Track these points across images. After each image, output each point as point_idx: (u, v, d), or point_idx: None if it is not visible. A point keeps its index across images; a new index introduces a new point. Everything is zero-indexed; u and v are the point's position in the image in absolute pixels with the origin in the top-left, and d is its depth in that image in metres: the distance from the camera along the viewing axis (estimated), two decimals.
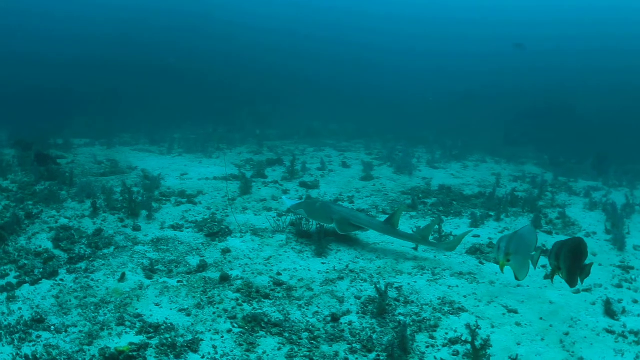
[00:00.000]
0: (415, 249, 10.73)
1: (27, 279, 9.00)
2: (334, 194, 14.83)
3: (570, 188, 16.42)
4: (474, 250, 10.40)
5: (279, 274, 9.39)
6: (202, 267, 9.47)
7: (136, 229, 11.32)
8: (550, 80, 42.29)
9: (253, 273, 9.35)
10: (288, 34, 69.13)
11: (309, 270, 9.60)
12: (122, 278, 8.90)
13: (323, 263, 9.93)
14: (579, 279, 6.64)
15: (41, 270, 9.27)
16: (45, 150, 18.43)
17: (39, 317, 7.71)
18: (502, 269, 7.05)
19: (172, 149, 20.60)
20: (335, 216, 10.47)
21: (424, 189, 15.25)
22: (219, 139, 23.12)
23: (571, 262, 6.48)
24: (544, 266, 9.39)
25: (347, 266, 9.86)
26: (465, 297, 8.44)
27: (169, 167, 17.29)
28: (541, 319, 7.78)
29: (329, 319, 7.88)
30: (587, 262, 6.63)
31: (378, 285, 8.41)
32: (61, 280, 8.97)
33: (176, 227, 11.54)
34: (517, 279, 7.24)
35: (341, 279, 9.31)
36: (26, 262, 9.68)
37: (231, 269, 9.47)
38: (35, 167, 15.57)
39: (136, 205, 12.07)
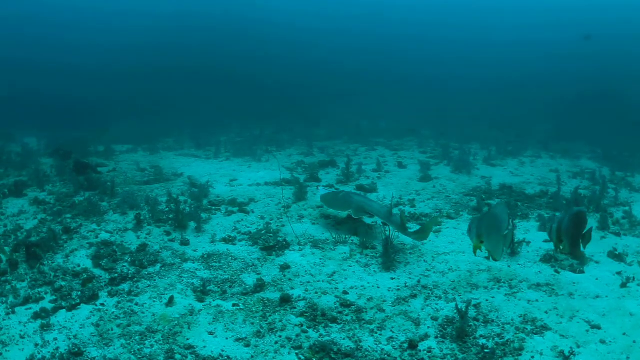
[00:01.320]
0: (488, 257, 9.47)
1: (63, 303, 8.00)
2: (394, 197, 13.63)
3: (629, 184, 15.43)
4: (549, 258, 9.53)
5: (345, 292, 8.22)
6: (260, 286, 8.30)
7: (184, 243, 10.17)
8: (597, 67, 40.41)
9: (317, 292, 8.17)
10: (334, 32, 67.83)
11: (378, 287, 8.42)
12: (171, 302, 7.76)
13: (392, 278, 8.77)
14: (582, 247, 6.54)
15: (79, 293, 8.27)
16: (85, 159, 17.62)
17: (77, 349, 6.74)
18: (475, 252, 6.93)
19: (219, 153, 19.52)
20: (353, 205, 10.80)
21: (485, 189, 14.38)
22: (267, 141, 22.00)
23: (573, 233, 6.45)
24: (618, 273, 8.93)
25: (418, 281, 8.75)
26: (546, 312, 7.70)
27: (216, 172, 16.19)
28: (624, 334, 7.15)
29: (406, 345, 6.85)
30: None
31: (459, 306, 7.34)
32: (102, 305, 7.96)
33: (228, 240, 10.38)
34: (494, 259, 7.20)
35: (414, 296, 8.21)
36: (63, 283, 8.70)
37: (292, 288, 8.29)
38: (73, 177, 14.62)
39: (184, 217, 10.96)
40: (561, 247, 6.65)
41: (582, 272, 9.06)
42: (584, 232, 6.49)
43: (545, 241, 10.53)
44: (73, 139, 21.21)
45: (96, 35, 62.25)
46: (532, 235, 10.90)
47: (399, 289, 8.44)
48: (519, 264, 9.53)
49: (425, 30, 67.54)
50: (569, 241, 6.50)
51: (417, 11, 73.32)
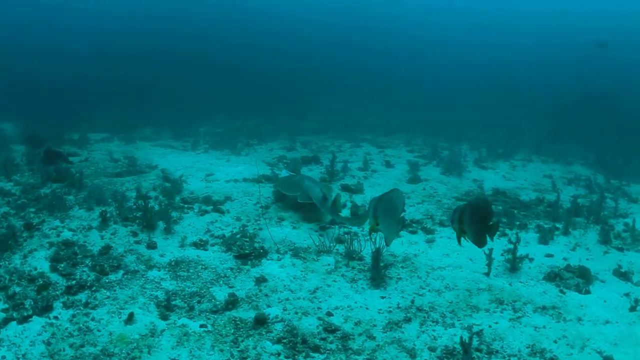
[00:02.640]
0: (488, 274, 8.99)
1: (15, 314, 7.21)
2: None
3: (625, 193, 14.64)
4: (553, 276, 8.82)
5: (329, 314, 7.42)
6: (232, 303, 7.49)
7: (151, 246, 9.32)
8: (588, 71, 39.92)
9: (297, 312, 7.35)
10: (327, 25, 66.96)
11: (367, 308, 7.63)
12: (130, 319, 6.97)
13: (383, 297, 7.97)
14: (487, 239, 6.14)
15: (33, 302, 7.47)
16: (58, 147, 16.59)
17: None
18: (370, 233, 7.01)
19: (197, 145, 18.62)
20: (301, 189, 11.06)
21: (478, 194, 13.65)
22: (248, 134, 21.06)
23: (476, 223, 6.03)
24: (626, 294, 8.35)
25: (412, 301, 7.97)
26: (555, 342, 7.05)
27: (192, 166, 15.31)
28: None
29: None
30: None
31: (459, 334, 6.77)
32: (55, 318, 7.15)
33: (199, 245, 9.54)
34: (386, 244, 7.12)
35: (408, 320, 7.42)
36: (17, 289, 7.89)
37: (268, 306, 7.48)
38: (42, 167, 13.64)
39: (152, 216, 10.06)
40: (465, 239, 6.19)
41: (588, 292, 8.45)
42: (490, 223, 6.03)
43: (547, 256, 9.91)
44: (49, 126, 20.14)
45: (80, 17, 60.88)
46: (533, 249, 10.15)
47: (390, 311, 7.66)
48: (521, 282, 8.82)
49: (420, 29, 66.71)
50: (474, 233, 6.08)
51: (413, 9, 72.49)
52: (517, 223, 11.61)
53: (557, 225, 11.54)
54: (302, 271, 8.66)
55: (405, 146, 20.71)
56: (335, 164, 15.11)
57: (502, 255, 9.57)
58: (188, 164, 15.57)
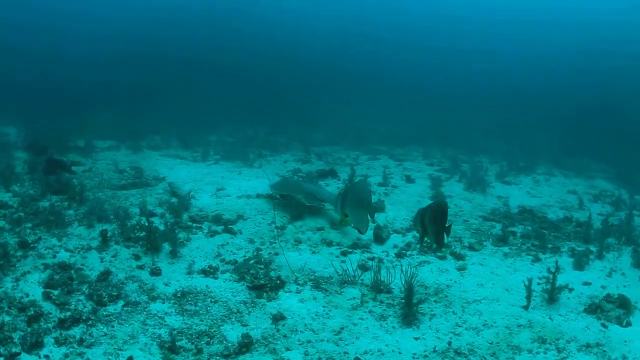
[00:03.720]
0: (527, 307, 8.20)
1: (2, 350, 6.37)
2: (405, 219, 12.00)
3: None
4: (594, 309, 8.06)
5: None
6: (246, 345, 6.56)
7: (155, 272, 8.39)
8: (601, 81, 39.78)
9: (320, 359, 6.25)
10: (335, 34, 66.32)
11: (400, 352, 6.75)
12: None
13: (416, 338, 7.07)
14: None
15: (22, 337, 6.61)
16: (62, 155, 15.81)
17: None
18: (339, 223, 7.52)
19: (208, 155, 17.69)
20: (304, 191, 11.28)
21: (504, 212, 12.93)
22: (260, 144, 20.14)
23: (436, 225, 6.46)
24: None
25: (449, 343, 7.05)
26: None
27: (202, 179, 14.39)
28: None
29: None
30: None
31: None
32: (46, 357, 6.32)
33: (208, 272, 8.58)
34: (360, 232, 7.96)
35: None
36: (7, 319, 7.04)
37: (287, 349, 6.57)
38: (42, 177, 12.77)
39: (157, 237, 9.04)
40: (427, 239, 6.71)
41: (629, 324, 7.72)
42: (446, 224, 6.44)
43: (585, 284, 9.14)
44: (53, 131, 19.27)
45: (89, 22, 60.27)
46: (569, 276, 9.33)
47: (426, 356, 6.75)
48: (561, 315, 7.99)
49: (432, 38, 65.93)
50: (434, 233, 6.50)
51: (425, 18, 71.70)
52: (550, 246, 10.76)
53: (592, 248, 10.76)
54: (324, 306, 7.72)
55: (424, 159, 19.83)
56: (354, 178, 14.17)
57: (538, 284, 8.83)
58: (197, 176, 14.65)
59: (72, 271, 8.52)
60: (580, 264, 9.80)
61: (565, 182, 17.29)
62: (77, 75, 35.66)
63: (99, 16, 60.85)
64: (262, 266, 8.92)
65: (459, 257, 9.75)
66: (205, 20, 61.99)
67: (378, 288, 8.30)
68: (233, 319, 7.29)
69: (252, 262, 9.03)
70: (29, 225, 10.28)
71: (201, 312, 7.43)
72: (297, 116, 27.50)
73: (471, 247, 10.33)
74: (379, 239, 10.51)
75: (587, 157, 20.66)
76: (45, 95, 28.35)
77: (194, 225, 10.66)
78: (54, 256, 9.04)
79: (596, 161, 20.53)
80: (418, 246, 10.00)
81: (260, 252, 9.59)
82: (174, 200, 11.93)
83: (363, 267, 8.98)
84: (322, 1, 70.22)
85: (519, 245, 10.82)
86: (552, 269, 8.61)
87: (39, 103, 26.05)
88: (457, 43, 63.11)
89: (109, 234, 9.75)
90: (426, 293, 8.39)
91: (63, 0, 60.79)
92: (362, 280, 8.67)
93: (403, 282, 7.82)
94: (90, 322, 7.04)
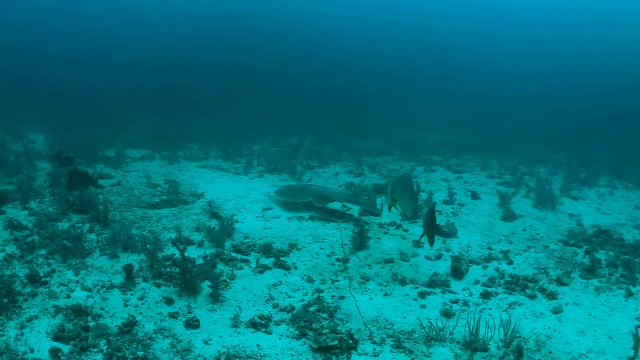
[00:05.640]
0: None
1: None
2: (481, 246, 10.34)
3: None
4: None
5: None
6: None
7: (192, 324, 6.52)
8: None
9: None
10: (377, 39, 64.99)
11: None
12: None
13: None
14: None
15: None
16: (90, 166, 14.39)
17: None
18: (389, 209, 8.15)
19: (251, 167, 15.88)
20: (313, 193, 11.34)
21: (580, 233, 11.36)
22: (307, 154, 18.36)
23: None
24: None
25: None
26: None
27: (246, 195, 12.59)
28: None
29: None
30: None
31: None
32: None
33: (259, 325, 6.69)
34: (406, 217, 10.05)
35: None
36: None
37: None
38: (65, 192, 11.17)
39: (194, 276, 7.12)
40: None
41: None
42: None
43: None
44: (82, 139, 17.77)
45: (127, 28, 59.80)
46: None
47: None
48: None
49: (475, 42, 64.36)
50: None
51: (468, 22, 70.05)
52: (639, 276, 9.13)
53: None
54: None
55: (482, 170, 18.26)
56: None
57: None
58: (241, 192, 12.86)
59: (89, 317, 6.74)
60: None
61: (629, 196, 15.75)
62: (113, 82, 34.75)
63: (136, 21, 60.59)
64: (325, 315, 7.02)
65: (551, 295, 8.31)
66: (250, 26, 61.45)
67: (474, 346, 6.32)
68: None
69: (313, 309, 7.11)
70: (43, 252, 8.68)
71: None
72: (344, 124, 26.13)
73: (560, 281, 8.88)
74: (458, 273, 8.90)
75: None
76: (79, 103, 27.51)
77: (239, 257, 8.79)
78: (68, 296, 7.37)
79: None
80: (503, 281, 8.73)
81: (321, 294, 7.73)
82: (214, 223, 10.07)
83: (447, 314, 7.45)
84: (371, 10, 68.80)
85: (607, 276, 9.23)
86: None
87: (71, 110, 24.88)
88: (496, 46, 61.36)
89: (136, 267, 7.94)
90: (528, 349, 6.69)
91: (99, 7, 60.34)
92: (451, 334, 6.68)
93: (500, 335, 6.65)
94: None
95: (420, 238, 7.96)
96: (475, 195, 14.08)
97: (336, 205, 12.08)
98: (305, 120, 26.29)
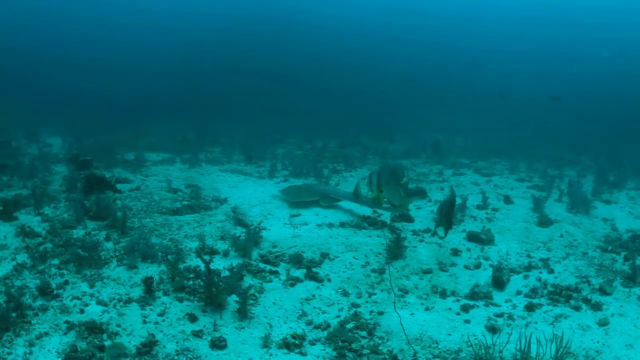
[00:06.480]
0: None
1: None
2: (519, 254, 9.73)
3: None
4: None
5: None
6: None
7: (217, 344, 5.87)
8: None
9: None
10: (399, 41, 64.65)
11: None
12: None
13: None
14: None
15: None
16: (108, 170, 14.08)
17: None
18: (374, 202, 8.67)
19: (275, 171, 15.21)
20: (318, 194, 11.72)
21: (616, 238, 10.77)
22: (332, 157, 17.73)
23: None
24: None
25: None
26: None
27: (272, 201, 11.98)
28: None
29: None
30: None
31: None
32: None
33: (292, 345, 6.02)
34: (393, 205, 9.66)
35: None
36: None
37: None
38: (80, 198, 10.59)
39: (220, 290, 6.44)
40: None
41: None
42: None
43: None
44: (100, 142, 17.33)
45: (152, 34, 59.89)
46: None
47: None
48: None
49: (500, 44, 63.84)
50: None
51: (498, 24, 69.55)
52: None
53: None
54: None
55: (510, 173, 17.61)
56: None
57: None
58: (266, 197, 12.24)
59: (104, 335, 6.13)
60: None
61: None
62: (133, 86, 34.54)
63: (157, 28, 60.43)
64: (364, 333, 6.31)
65: (595, 306, 7.87)
66: (274, 29, 61.18)
67: None
68: None
69: (350, 325, 6.40)
70: (56, 262, 8.12)
71: None
72: (368, 127, 25.49)
73: (602, 290, 8.41)
74: (500, 283, 8.35)
75: None
76: (98, 107, 27.28)
77: (268, 268, 8.10)
78: (82, 310, 6.76)
79: None
80: (545, 291, 8.22)
81: (358, 309, 7.01)
82: (240, 231, 9.41)
83: (493, 329, 6.89)
84: (398, 12, 68.50)
85: None
86: None
87: (90, 114, 24.58)
88: (525, 47, 60.78)
89: (156, 278, 7.27)
90: None
91: (125, 14, 60.39)
92: (500, 352, 6.11)
93: (551, 352, 6.05)
94: None
95: (435, 228, 7.62)
96: (507, 200, 13.49)
97: (367, 211, 11.38)
98: (329, 123, 25.75)
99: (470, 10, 69.29)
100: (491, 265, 8.92)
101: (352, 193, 11.31)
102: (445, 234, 7.91)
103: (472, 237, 10.31)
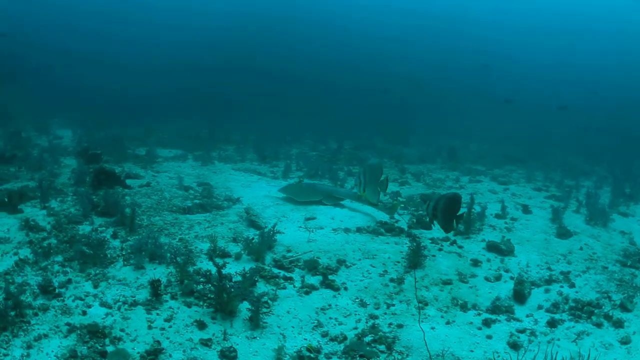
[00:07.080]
0: None
1: None
2: (539, 266, 9.37)
3: None
4: None
5: None
6: None
7: (227, 355, 5.55)
8: None
9: None
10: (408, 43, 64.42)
11: None
12: None
13: None
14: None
15: None
16: (118, 164, 13.77)
17: None
18: (359, 198, 9.28)
19: (289, 172, 14.89)
20: (321, 193, 11.63)
21: (634, 252, 10.43)
22: (347, 159, 17.40)
23: (446, 213, 6.85)
24: None
25: None
26: None
27: (285, 203, 11.67)
28: None
29: None
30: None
31: None
32: None
33: (307, 358, 5.72)
34: (372, 204, 10.24)
35: None
36: None
37: None
38: (88, 192, 10.27)
39: (231, 297, 6.04)
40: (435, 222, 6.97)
41: None
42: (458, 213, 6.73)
43: None
44: (112, 137, 17.16)
45: (166, 31, 59.69)
46: None
47: None
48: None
49: (510, 51, 63.60)
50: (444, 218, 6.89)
51: (497, 30, 69.40)
52: None
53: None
54: None
55: (527, 182, 17.33)
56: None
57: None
58: (280, 200, 11.75)
59: (107, 340, 5.79)
60: None
61: None
62: (147, 83, 34.50)
63: (175, 24, 60.14)
64: (382, 347, 5.89)
65: (617, 323, 7.63)
66: (290, 29, 61.30)
67: None
68: None
69: (368, 339, 5.98)
70: (59, 259, 7.77)
71: None
72: (382, 130, 25.13)
73: (623, 307, 8.13)
74: (521, 297, 8.07)
75: None
76: (111, 102, 26.82)
77: (282, 274, 7.70)
78: (84, 312, 6.43)
79: None
80: (567, 307, 7.97)
81: (376, 321, 6.61)
82: (253, 233, 9.03)
83: (515, 346, 6.64)
84: (417, 17, 68.28)
85: None
86: None
87: (102, 108, 24.32)
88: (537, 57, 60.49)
89: (164, 281, 6.89)
90: None
91: (140, 10, 60.34)
92: None
93: None
94: None
95: (430, 222, 7.17)
96: (526, 209, 13.17)
97: (384, 217, 11.08)
98: (343, 125, 25.43)
99: (492, 15, 69.13)
100: (512, 278, 8.59)
101: (354, 192, 11.29)
102: (446, 231, 7.45)
103: (492, 247, 9.95)
